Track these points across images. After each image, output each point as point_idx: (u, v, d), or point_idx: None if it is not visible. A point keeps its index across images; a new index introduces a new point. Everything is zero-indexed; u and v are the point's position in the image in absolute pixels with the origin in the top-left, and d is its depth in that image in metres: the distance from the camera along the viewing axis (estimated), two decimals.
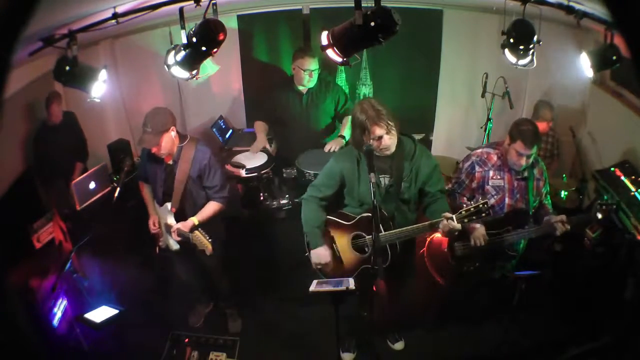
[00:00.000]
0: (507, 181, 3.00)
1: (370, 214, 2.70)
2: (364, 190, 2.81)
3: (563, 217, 2.83)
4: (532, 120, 3.05)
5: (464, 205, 2.65)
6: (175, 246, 3.25)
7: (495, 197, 3.02)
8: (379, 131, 2.62)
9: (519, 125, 2.89)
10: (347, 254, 2.93)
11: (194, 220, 3.07)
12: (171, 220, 3.14)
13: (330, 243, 2.94)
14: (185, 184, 3.06)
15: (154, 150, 2.94)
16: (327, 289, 2.47)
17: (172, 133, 2.95)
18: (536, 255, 3.31)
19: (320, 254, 2.87)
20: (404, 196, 2.80)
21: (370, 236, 2.73)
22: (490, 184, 3.03)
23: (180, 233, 3.07)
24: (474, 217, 2.54)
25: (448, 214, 2.59)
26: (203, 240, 3.02)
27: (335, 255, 2.94)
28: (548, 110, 4.16)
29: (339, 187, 2.90)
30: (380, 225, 2.69)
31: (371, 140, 2.66)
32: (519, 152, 2.85)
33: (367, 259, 2.83)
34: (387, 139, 2.65)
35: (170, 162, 3.07)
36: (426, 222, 2.72)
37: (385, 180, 2.78)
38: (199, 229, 3.05)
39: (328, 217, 2.94)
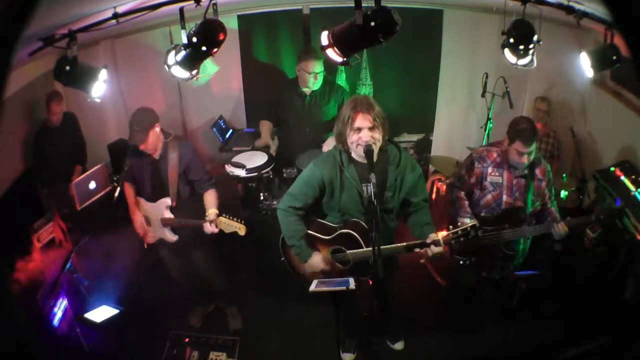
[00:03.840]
0: (506, 179, 3.02)
1: (349, 230, 2.70)
2: (346, 199, 2.69)
3: (564, 221, 2.89)
4: (527, 118, 3.07)
5: (457, 223, 2.60)
6: (173, 237, 3.27)
7: (493, 193, 3.05)
8: (360, 121, 2.48)
9: (515, 125, 2.92)
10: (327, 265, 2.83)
11: (215, 211, 3.14)
12: (168, 214, 3.21)
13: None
14: (178, 180, 3.19)
15: (142, 147, 3.04)
16: (327, 289, 2.47)
17: (157, 129, 3.08)
18: (536, 255, 3.31)
19: (315, 263, 2.78)
20: (387, 205, 2.69)
21: (351, 251, 2.71)
22: (488, 179, 3.05)
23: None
24: (461, 239, 2.46)
25: (434, 236, 2.51)
26: (232, 223, 3.04)
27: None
28: (543, 101, 4.21)
29: (319, 195, 2.75)
30: (361, 240, 2.67)
31: (351, 133, 2.54)
32: (520, 151, 2.88)
33: (348, 271, 2.77)
34: (367, 134, 2.49)
35: (157, 156, 3.17)
36: (404, 244, 2.61)
37: (368, 189, 2.64)
38: (222, 214, 3.09)
39: (308, 231, 2.80)
